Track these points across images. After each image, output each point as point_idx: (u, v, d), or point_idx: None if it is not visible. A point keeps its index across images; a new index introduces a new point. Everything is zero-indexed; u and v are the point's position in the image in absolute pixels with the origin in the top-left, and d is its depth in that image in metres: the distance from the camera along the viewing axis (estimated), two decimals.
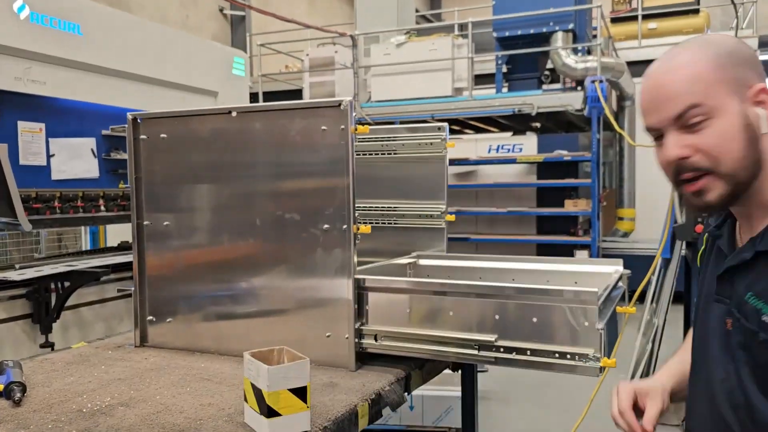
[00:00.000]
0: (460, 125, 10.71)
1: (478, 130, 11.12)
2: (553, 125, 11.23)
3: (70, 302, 5.47)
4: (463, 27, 10.96)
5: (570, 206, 9.25)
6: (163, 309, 2.67)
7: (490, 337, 2.10)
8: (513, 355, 2.07)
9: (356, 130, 2.25)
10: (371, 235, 3.17)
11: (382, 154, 3.14)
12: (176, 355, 2.55)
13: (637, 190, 10.92)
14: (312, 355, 2.33)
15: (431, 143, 3.03)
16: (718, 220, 1.53)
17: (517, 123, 10.76)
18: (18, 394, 2.01)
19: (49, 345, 5.08)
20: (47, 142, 6.07)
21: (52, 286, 5.33)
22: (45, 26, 5.47)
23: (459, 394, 4.82)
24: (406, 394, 2.31)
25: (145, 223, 2.67)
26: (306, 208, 2.37)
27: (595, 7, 9.66)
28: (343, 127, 2.24)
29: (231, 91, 7.42)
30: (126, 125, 2.67)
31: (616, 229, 11.00)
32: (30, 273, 5.20)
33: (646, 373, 5.72)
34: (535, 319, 2.05)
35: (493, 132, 11.17)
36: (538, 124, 11.14)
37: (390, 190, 3.17)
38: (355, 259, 2.28)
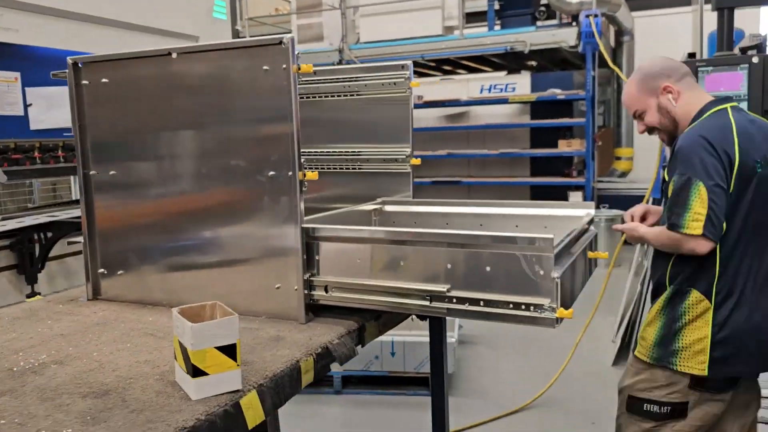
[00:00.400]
0: (452, 65, 10.43)
1: (472, 71, 10.84)
2: (549, 63, 10.95)
3: (55, 252, 5.42)
4: None
5: (563, 146, 9.06)
6: (114, 261, 2.58)
7: (441, 287, 2.00)
8: (466, 306, 1.98)
9: (299, 69, 2.11)
10: (335, 182, 3.08)
11: (345, 95, 2.99)
12: (127, 309, 2.47)
13: (636, 128, 10.70)
14: (262, 307, 2.28)
15: (395, 83, 2.88)
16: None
17: (511, 62, 10.48)
18: None
19: (35, 295, 5.05)
20: (23, 92, 5.91)
21: (35, 236, 5.27)
22: None
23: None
24: (359, 346, 2.24)
25: (91, 173, 2.56)
26: (251, 155, 2.24)
27: None
28: (285, 66, 2.10)
29: (212, 35, 7.20)
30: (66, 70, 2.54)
31: (614, 169, 10.83)
32: (11, 224, 5.12)
33: (635, 316, 5.66)
34: (488, 268, 1.95)
35: (486, 72, 10.90)
36: (533, 63, 10.86)
37: (354, 134, 3.04)
38: (302, 206, 2.17)
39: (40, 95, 5.86)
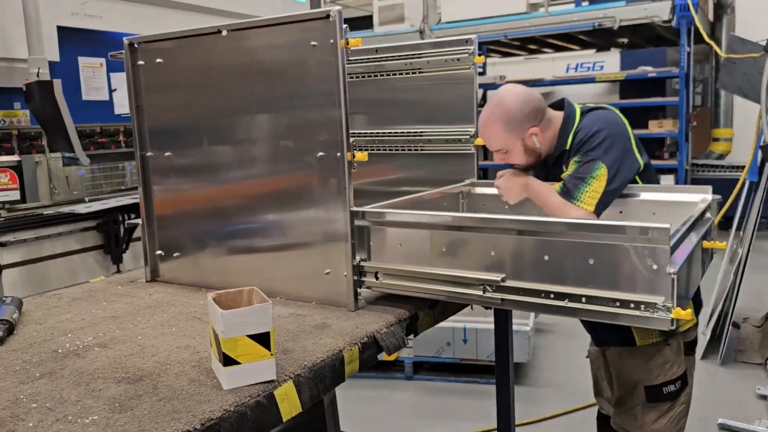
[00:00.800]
0: (537, 44, 10.06)
1: (558, 49, 10.43)
2: (641, 40, 10.39)
3: (139, 233, 5.56)
4: None
5: (654, 127, 8.58)
6: (170, 244, 2.57)
7: (496, 276, 1.86)
8: (565, 303, 1.76)
9: (347, 44, 2.00)
10: (398, 163, 2.97)
11: (407, 73, 2.87)
12: (181, 292, 2.45)
13: (736, 108, 10.03)
14: (312, 293, 2.20)
15: (458, 59, 2.72)
16: None
17: (600, 39, 10.00)
18: (0, 333, 1.95)
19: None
20: (108, 78, 6.08)
21: (120, 218, 5.42)
22: None
23: (518, 327, 4.61)
24: (412, 336, 2.13)
25: (148, 154, 2.54)
26: (300, 135, 2.16)
27: None
28: (332, 41, 2.00)
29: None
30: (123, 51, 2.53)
31: (711, 152, 10.22)
32: (96, 206, 5.29)
33: (727, 307, 5.29)
34: (591, 261, 1.73)
35: (574, 50, 10.45)
36: (624, 40, 10.35)
37: (417, 114, 2.91)
38: (351, 188, 2.06)
39: (123, 80, 6.01)
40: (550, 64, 9.70)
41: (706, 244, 2.20)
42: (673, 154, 8.99)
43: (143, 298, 2.38)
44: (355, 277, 2.10)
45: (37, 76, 4.79)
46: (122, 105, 6.06)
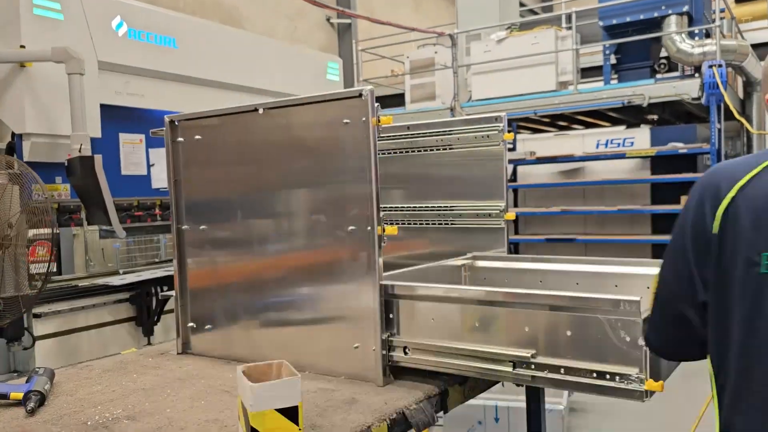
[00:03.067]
0: (567, 121, 10.16)
1: (588, 126, 10.51)
2: (671, 117, 10.44)
3: (171, 305, 5.61)
4: (568, 18, 10.43)
5: None
6: (202, 316, 2.59)
7: (525, 353, 1.84)
8: (545, 374, 1.81)
9: (379, 121, 2.05)
10: (429, 237, 2.99)
11: (438, 149, 2.92)
12: (211, 365, 2.46)
13: None
14: (341, 367, 2.19)
15: (488, 135, 2.77)
16: None
17: (629, 116, 10.07)
18: (31, 404, 1.96)
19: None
20: (147, 153, 6.26)
21: (152, 290, 5.48)
22: (142, 41, 5.64)
23: (551, 406, 4.49)
24: (441, 413, 2.09)
25: (183, 227, 2.60)
26: (331, 208, 2.20)
27: None
28: (364, 118, 2.06)
29: (317, 93, 7.39)
30: (164, 128, 2.62)
31: None
32: (130, 278, 5.37)
33: None
34: (569, 333, 1.77)
35: (604, 127, 10.52)
36: (653, 117, 10.40)
37: (448, 189, 2.94)
38: (381, 262, 2.08)
39: (162, 155, 6.18)
40: (580, 140, 9.76)
41: None
42: None
43: (174, 371, 2.39)
44: (384, 352, 2.09)
45: (80, 151, 4.96)
46: (159, 179, 6.21)
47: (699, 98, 8.50)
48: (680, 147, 8.71)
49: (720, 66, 8.11)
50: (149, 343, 5.27)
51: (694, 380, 2.27)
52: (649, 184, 9.24)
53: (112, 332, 5.25)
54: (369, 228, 2.08)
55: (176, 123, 2.60)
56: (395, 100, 11.33)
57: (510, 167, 9.28)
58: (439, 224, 2.95)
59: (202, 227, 2.54)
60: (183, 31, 5.84)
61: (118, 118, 6.00)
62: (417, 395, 2.00)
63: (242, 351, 2.45)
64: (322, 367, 2.24)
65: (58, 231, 4.84)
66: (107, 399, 2.07)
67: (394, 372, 2.13)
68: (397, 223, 3.07)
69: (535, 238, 9.12)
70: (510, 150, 9.94)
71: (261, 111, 2.33)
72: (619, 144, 9.40)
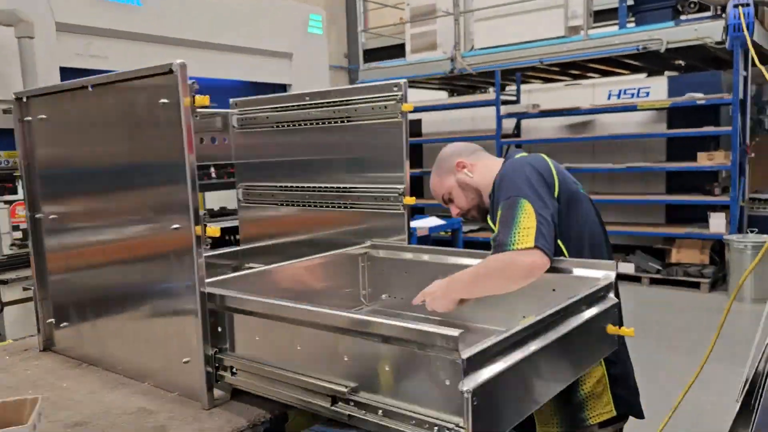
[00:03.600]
0: (579, 69, 9.53)
1: (606, 74, 9.86)
2: (699, 63, 9.71)
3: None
4: None
5: (704, 160, 7.90)
6: (60, 311, 2.34)
7: (342, 387, 1.54)
8: (364, 414, 1.50)
9: (193, 101, 1.73)
10: (328, 220, 2.68)
11: (334, 122, 2.58)
12: (61, 368, 2.22)
13: None
14: (174, 381, 1.93)
15: (385, 106, 2.41)
16: None
17: (652, 64, 9.37)
18: None
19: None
20: None
21: None
22: (105, 0, 5.36)
23: None
24: None
25: (37, 215, 2.34)
26: (157, 204, 1.90)
27: None
28: (176, 99, 1.73)
29: (307, 51, 6.99)
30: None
31: None
32: None
33: (764, 367, 4.67)
34: (387, 368, 1.46)
35: (622, 75, 9.85)
36: (680, 62, 9.68)
37: (346, 167, 2.61)
38: (203, 266, 1.78)
39: None
40: (591, 91, 9.16)
41: (611, 329, 1.90)
42: (725, 189, 8.31)
43: (17, 374, 2.16)
44: (209, 370, 1.81)
45: None
46: None
47: (723, 42, 7.83)
48: (698, 98, 8.09)
49: (747, 5, 7.41)
50: None
51: None
52: (664, 138, 8.65)
53: None
54: (188, 227, 1.77)
55: (24, 100, 2.30)
56: (396, 51, 10.84)
57: (513, 120, 8.79)
58: (337, 207, 2.63)
59: (51, 216, 2.28)
60: None
61: None
62: (239, 423, 1.72)
63: (93, 351, 2.21)
64: (158, 379, 1.98)
65: None
66: None
67: (234, 391, 1.86)
68: (296, 204, 2.77)
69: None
70: (513, 102, 9.42)
71: (90, 88, 2.02)
72: (633, 95, 8.80)
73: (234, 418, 1.75)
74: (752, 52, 7.22)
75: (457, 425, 1.34)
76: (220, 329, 1.82)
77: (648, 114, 8.71)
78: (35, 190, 2.35)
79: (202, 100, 1.73)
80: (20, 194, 5.02)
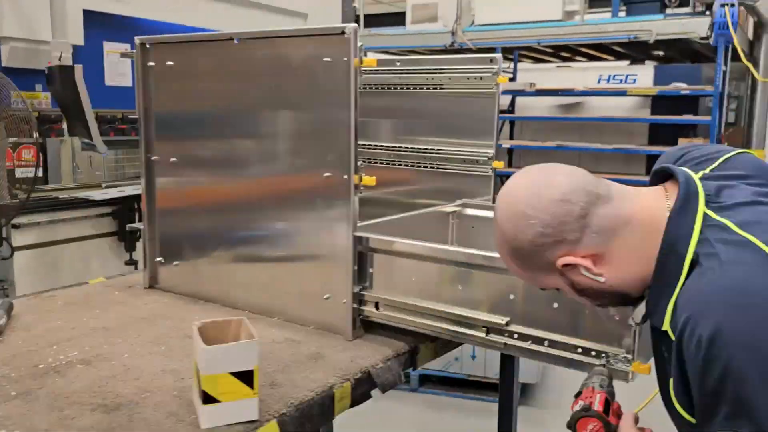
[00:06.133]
0: (570, 52, 9.84)
1: (592, 58, 10.21)
2: (678, 55, 10.12)
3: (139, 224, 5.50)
4: None
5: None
6: (171, 250, 2.49)
7: (500, 320, 1.76)
8: (528, 344, 1.74)
9: (361, 62, 1.90)
10: (415, 179, 2.87)
11: (428, 87, 2.76)
12: (179, 303, 2.38)
13: None
14: (311, 317, 2.12)
15: (481, 77, 2.61)
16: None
17: (635, 52, 9.74)
18: None
19: (132, 263, 5.17)
20: (133, 64, 6.02)
21: (135, 205, 5.38)
22: None
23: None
24: (410, 370, 2.03)
25: (153, 157, 2.47)
26: (308, 152, 2.07)
27: None
28: (345, 58, 1.90)
29: (322, 12, 7.10)
30: (135, 50, 2.45)
31: None
32: (112, 193, 5.25)
33: None
34: (556, 304, 1.68)
35: (608, 61, 10.22)
36: (659, 53, 10.08)
37: (436, 130, 2.80)
38: (356, 212, 1.97)
39: None
40: (582, 74, 9.48)
41: None
42: None
43: (138, 308, 2.31)
44: (355, 306, 2.01)
45: (59, 60, 4.75)
46: None
47: (707, 38, 8.21)
48: (682, 88, 8.48)
49: (732, 5, 7.80)
50: (131, 259, 5.21)
51: None
52: (647, 123, 9.06)
53: (93, 246, 5.18)
54: (345, 176, 1.96)
55: (147, 46, 2.42)
56: (397, 19, 10.94)
57: (508, 97, 9.05)
58: (424, 167, 2.83)
59: (172, 159, 2.41)
60: None
61: (103, 26, 5.75)
62: (385, 353, 1.93)
63: (211, 289, 2.37)
64: (291, 314, 2.16)
65: (40, 139, 4.67)
66: (65, 338, 1.99)
67: (365, 326, 2.06)
68: (381, 163, 2.95)
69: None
70: (510, 80, 9.67)
71: (236, 41, 2.16)
72: (621, 80, 9.16)
73: (379, 347, 1.96)
74: (739, 49, 7.62)
75: (624, 354, 1.58)
76: (364, 269, 2.02)
77: (634, 99, 9.09)
78: (151, 133, 2.47)
79: (371, 62, 1.90)
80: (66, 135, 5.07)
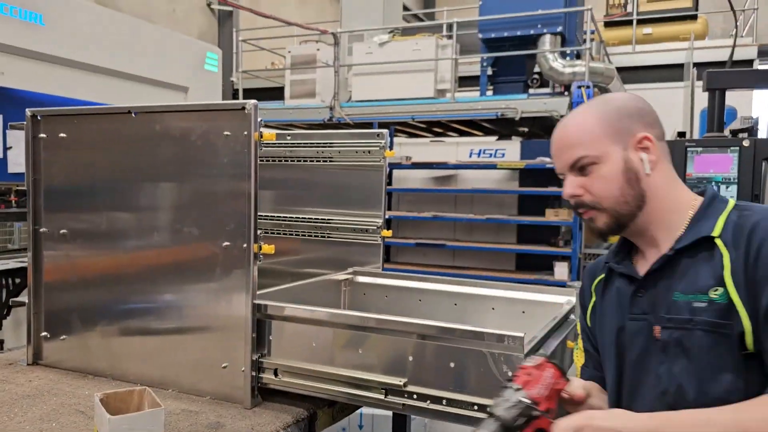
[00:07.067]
0: (442, 128, 10.41)
1: (462, 134, 10.83)
2: (541, 131, 10.95)
3: (23, 298, 5.23)
4: (449, 27, 10.68)
5: (551, 216, 8.95)
6: (58, 324, 2.42)
7: (398, 381, 1.85)
8: (426, 404, 1.83)
9: (261, 136, 2.00)
10: (304, 248, 2.95)
11: (317, 160, 2.89)
12: (65, 378, 2.30)
13: None
14: (208, 386, 2.11)
15: (369, 151, 2.77)
16: (613, 252, 1.60)
17: (502, 128, 10.45)
18: None
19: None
20: (4, 134, 5.81)
21: (2, 281, 5.10)
22: (4, 15, 5.23)
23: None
24: None
25: (41, 230, 2.42)
26: (206, 222, 2.12)
27: (585, 10, 9.39)
28: (246, 132, 1.99)
29: (202, 87, 7.16)
30: (24, 122, 2.43)
31: (601, 242, 10.74)
32: None
33: None
34: (452, 364, 1.80)
35: (477, 136, 10.88)
36: (524, 129, 10.86)
37: (326, 201, 2.92)
38: (255, 280, 2.03)
39: (20, 138, 5.76)
40: (454, 148, 10.03)
41: (570, 344, 2.31)
42: (567, 242, 9.39)
43: (22, 386, 2.22)
44: (254, 373, 2.03)
45: None
46: (17, 163, 5.78)
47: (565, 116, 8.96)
48: (547, 162, 9.13)
49: (588, 87, 8.58)
50: None
51: None
52: (516, 195, 9.64)
53: None
54: (245, 245, 2.02)
55: (39, 118, 2.40)
56: (274, 93, 11.15)
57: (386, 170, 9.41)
58: (315, 236, 2.92)
59: (62, 231, 2.37)
60: (51, 8, 5.46)
61: None
62: (285, 420, 1.96)
63: (101, 363, 2.32)
64: (186, 386, 2.15)
65: None
66: None
67: (264, 393, 2.09)
68: (272, 233, 3.02)
69: (406, 242, 9.28)
70: None
71: (134, 114, 2.20)
72: (491, 154, 9.75)
73: (279, 415, 1.99)
74: None
75: None
76: (262, 336, 2.06)
77: (503, 172, 9.67)
78: (39, 204, 2.43)
79: (270, 136, 2.00)
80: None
